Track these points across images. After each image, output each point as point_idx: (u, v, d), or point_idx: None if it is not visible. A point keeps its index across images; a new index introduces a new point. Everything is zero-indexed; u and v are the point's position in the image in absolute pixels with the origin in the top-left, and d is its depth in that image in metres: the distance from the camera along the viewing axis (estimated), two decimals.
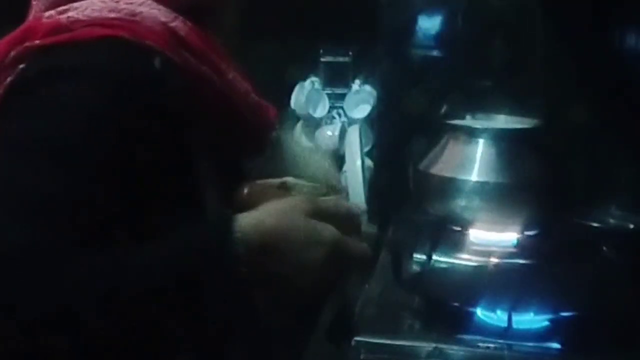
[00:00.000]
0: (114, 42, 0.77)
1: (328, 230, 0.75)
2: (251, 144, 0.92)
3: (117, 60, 0.77)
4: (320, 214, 0.76)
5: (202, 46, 0.83)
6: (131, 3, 0.81)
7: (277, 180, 0.86)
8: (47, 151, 0.72)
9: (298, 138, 1.91)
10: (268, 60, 1.89)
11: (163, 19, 0.81)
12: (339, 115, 1.91)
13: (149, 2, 0.83)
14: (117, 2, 0.81)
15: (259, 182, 0.83)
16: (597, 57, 1.56)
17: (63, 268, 0.67)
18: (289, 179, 0.88)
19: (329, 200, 0.81)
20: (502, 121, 1.40)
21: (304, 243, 0.74)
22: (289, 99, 1.88)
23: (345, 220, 0.79)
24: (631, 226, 1.39)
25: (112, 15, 0.80)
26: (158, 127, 0.76)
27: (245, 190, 0.81)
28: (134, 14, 0.80)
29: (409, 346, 1.07)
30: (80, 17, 0.79)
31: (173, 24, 0.82)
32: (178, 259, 0.71)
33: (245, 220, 0.73)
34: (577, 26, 1.57)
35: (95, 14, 0.80)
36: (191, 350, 0.76)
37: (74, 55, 0.77)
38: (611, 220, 1.41)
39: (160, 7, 0.83)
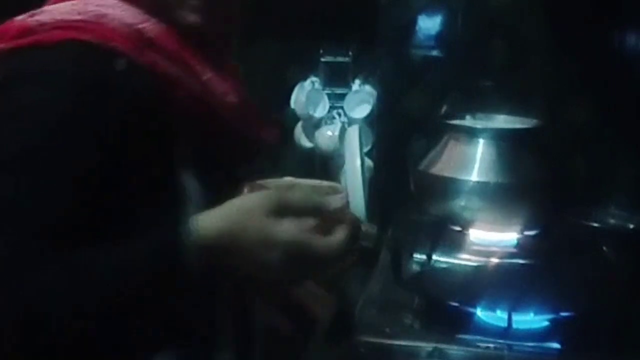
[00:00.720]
0: (75, 45, 0.76)
1: (284, 231, 0.73)
2: (236, 148, 0.90)
3: (77, 63, 0.76)
4: (283, 210, 0.74)
5: (174, 48, 0.81)
6: (100, 5, 0.80)
7: (277, 180, 0.86)
8: (7, 157, 0.72)
9: (298, 138, 1.91)
10: (268, 60, 1.90)
11: (130, 20, 0.80)
12: (339, 115, 1.91)
13: (119, 4, 0.81)
14: (86, 4, 0.80)
15: (259, 182, 0.83)
16: (597, 57, 1.56)
17: (27, 274, 0.68)
18: (289, 179, 0.88)
19: (298, 194, 0.78)
20: (502, 121, 1.40)
21: (257, 243, 0.73)
22: (289, 99, 1.88)
23: (316, 213, 0.77)
24: (631, 226, 1.39)
25: (78, 17, 0.78)
26: (121, 128, 0.75)
27: (246, 190, 0.81)
28: (100, 16, 0.79)
29: (409, 346, 1.07)
30: (47, 19, 0.78)
31: (141, 26, 0.80)
32: (138, 262, 0.72)
33: (205, 220, 0.73)
34: (577, 26, 1.57)
35: (62, 17, 0.78)
36: (159, 350, 0.76)
37: (34, 59, 0.76)
38: (611, 220, 1.41)
39: (131, 8, 0.81)
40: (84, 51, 0.76)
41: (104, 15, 0.79)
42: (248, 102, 0.91)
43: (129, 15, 0.80)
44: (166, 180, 0.80)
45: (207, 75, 0.84)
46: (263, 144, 0.95)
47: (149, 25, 0.81)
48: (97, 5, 0.80)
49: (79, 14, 0.79)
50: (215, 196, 0.78)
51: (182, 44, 0.82)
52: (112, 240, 0.71)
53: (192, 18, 0.84)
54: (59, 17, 0.78)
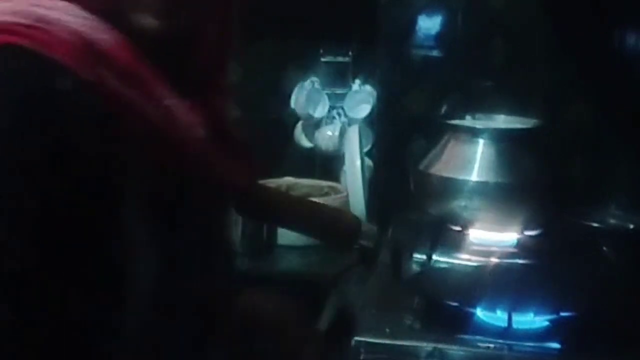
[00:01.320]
0: (9, 50, 0.64)
1: None
2: (202, 194, 0.76)
3: (9, 73, 0.64)
4: None
5: (128, 63, 0.68)
6: (46, 8, 0.67)
7: (277, 180, 0.86)
8: None
9: (298, 138, 1.91)
10: (268, 60, 1.90)
11: (80, 28, 0.67)
12: (339, 115, 1.91)
13: (70, 7, 0.68)
14: (30, 5, 0.67)
15: (259, 182, 0.83)
16: (597, 57, 1.56)
17: None
18: (289, 179, 0.88)
19: None
20: (502, 121, 1.40)
21: None
22: (289, 99, 1.88)
23: None
24: (631, 226, 1.39)
25: (19, 19, 0.66)
26: (55, 159, 0.62)
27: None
28: (44, 20, 0.66)
29: (409, 346, 1.06)
30: None
31: (92, 35, 0.67)
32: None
33: None
34: (577, 26, 1.57)
35: (0, 18, 0.66)
36: None
37: None
38: (611, 220, 1.41)
39: (83, 14, 0.68)
40: (19, 59, 0.64)
41: (49, 20, 0.66)
42: (227, 138, 0.78)
43: (79, 22, 0.67)
44: (110, 233, 0.65)
45: (170, 100, 0.70)
46: (235, 190, 0.82)
47: (101, 34, 0.68)
48: (42, 7, 0.67)
49: (20, 15, 0.66)
50: (177, 257, 0.69)
51: (140, 59, 0.69)
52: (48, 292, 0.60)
53: (149, 22, 0.71)
54: None
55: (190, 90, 0.73)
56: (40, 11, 0.67)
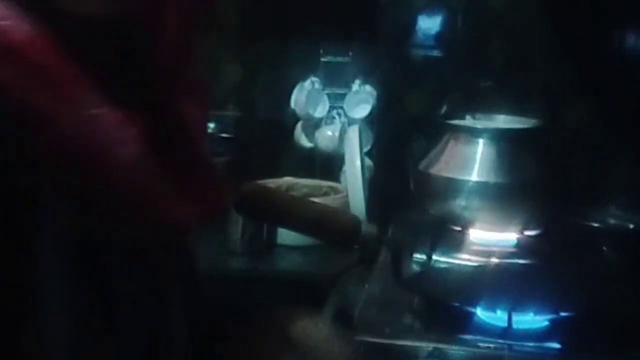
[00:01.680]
0: None
1: None
2: (136, 228, 0.58)
3: None
4: None
5: (46, 60, 0.52)
6: None
7: (277, 180, 0.86)
8: None
9: (298, 138, 1.91)
10: (268, 60, 1.90)
11: None
12: (339, 115, 1.91)
13: None
14: None
15: (259, 182, 0.83)
16: (597, 57, 1.56)
17: None
18: (289, 179, 0.87)
19: None
20: (502, 121, 1.40)
21: None
22: (289, 99, 1.88)
23: None
24: (631, 226, 1.39)
25: None
26: None
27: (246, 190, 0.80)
28: None
29: (409, 346, 1.06)
30: None
31: (2, 23, 0.51)
32: None
33: None
34: (577, 26, 1.57)
35: None
36: None
37: None
38: (611, 220, 1.41)
39: None
40: None
41: None
42: (190, 158, 0.61)
43: None
44: (14, 274, 0.51)
45: (96, 108, 0.53)
46: (183, 230, 0.64)
47: (14, 23, 0.51)
48: None
49: None
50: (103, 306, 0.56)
51: (62, 54, 0.52)
52: None
53: (79, 5, 0.53)
54: None
55: (135, 94, 0.57)
56: None
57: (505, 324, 1.08)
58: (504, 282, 1.13)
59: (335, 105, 1.90)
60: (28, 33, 0.51)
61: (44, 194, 0.53)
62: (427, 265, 1.16)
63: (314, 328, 0.82)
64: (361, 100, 1.86)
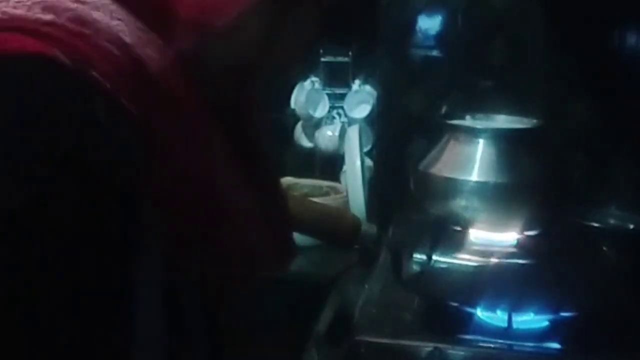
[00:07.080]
0: (36, 65, 0.46)
1: None
2: (236, 280, 0.61)
3: (36, 93, 0.45)
4: None
5: (180, 96, 0.50)
6: (89, 5, 0.49)
7: None
8: None
9: (298, 138, 1.91)
10: None
11: (128, 39, 0.49)
12: (339, 115, 1.91)
13: (114, 6, 0.50)
14: None
15: None
16: (597, 57, 1.56)
17: None
18: (289, 179, 0.87)
19: None
20: (502, 121, 1.40)
21: None
22: (289, 99, 1.88)
23: None
24: (631, 226, 1.39)
25: (47, 17, 0.47)
26: (75, 202, 0.45)
27: None
28: (82, 22, 0.48)
29: (409, 346, 1.06)
30: None
31: (144, 51, 0.49)
32: None
33: None
34: (577, 26, 1.56)
35: (21, 12, 0.47)
36: None
37: None
38: (611, 220, 1.41)
39: (128, 17, 0.50)
40: (50, 78, 0.46)
41: (88, 22, 0.48)
42: (273, 218, 0.60)
43: (128, 30, 0.49)
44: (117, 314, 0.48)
45: (215, 145, 0.51)
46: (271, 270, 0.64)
47: (155, 53, 0.49)
48: (80, 3, 0.49)
49: (53, 11, 0.48)
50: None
51: (192, 88, 0.51)
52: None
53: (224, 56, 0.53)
54: (17, 12, 0.47)
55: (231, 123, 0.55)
56: (80, 8, 0.48)
57: (505, 324, 1.08)
58: (504, 282, 1.13)
59: (335, 105, 1.90)
60: (169, 64, 0.50)
61: (155, 222, 0.49)
62: (427, 265, 1.16)
63: None
64: (361, 100, 1.86)
